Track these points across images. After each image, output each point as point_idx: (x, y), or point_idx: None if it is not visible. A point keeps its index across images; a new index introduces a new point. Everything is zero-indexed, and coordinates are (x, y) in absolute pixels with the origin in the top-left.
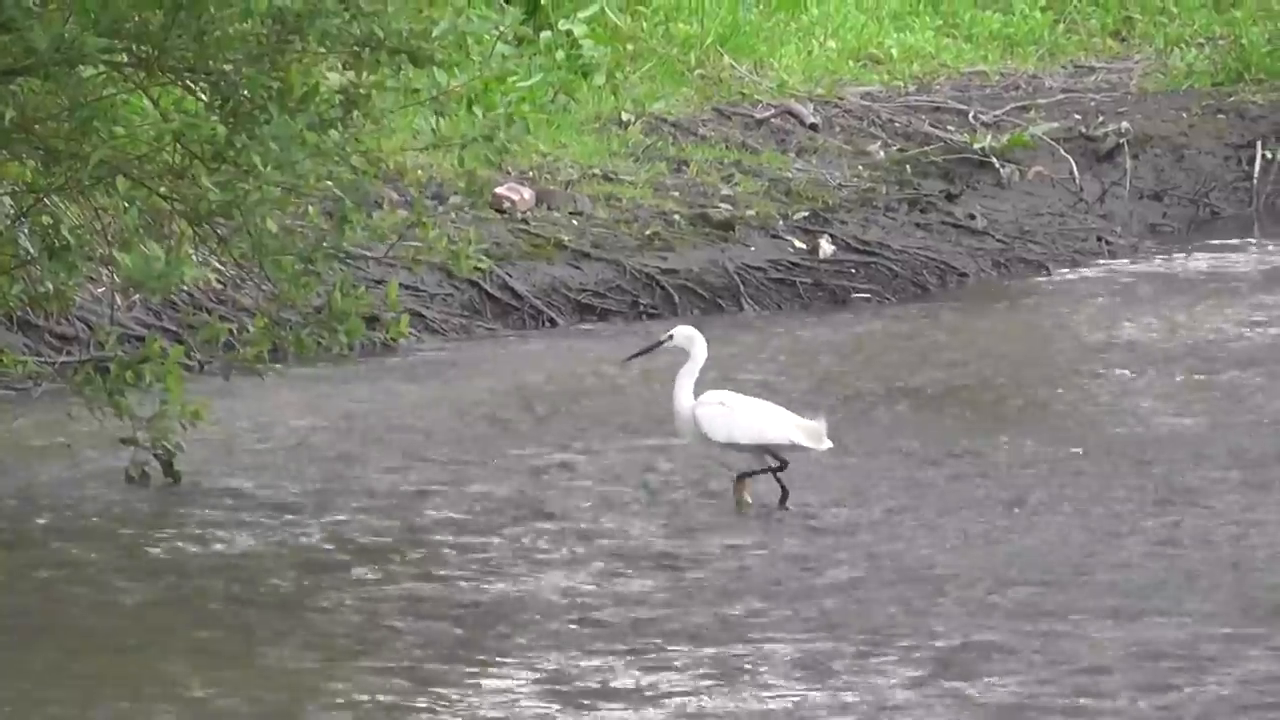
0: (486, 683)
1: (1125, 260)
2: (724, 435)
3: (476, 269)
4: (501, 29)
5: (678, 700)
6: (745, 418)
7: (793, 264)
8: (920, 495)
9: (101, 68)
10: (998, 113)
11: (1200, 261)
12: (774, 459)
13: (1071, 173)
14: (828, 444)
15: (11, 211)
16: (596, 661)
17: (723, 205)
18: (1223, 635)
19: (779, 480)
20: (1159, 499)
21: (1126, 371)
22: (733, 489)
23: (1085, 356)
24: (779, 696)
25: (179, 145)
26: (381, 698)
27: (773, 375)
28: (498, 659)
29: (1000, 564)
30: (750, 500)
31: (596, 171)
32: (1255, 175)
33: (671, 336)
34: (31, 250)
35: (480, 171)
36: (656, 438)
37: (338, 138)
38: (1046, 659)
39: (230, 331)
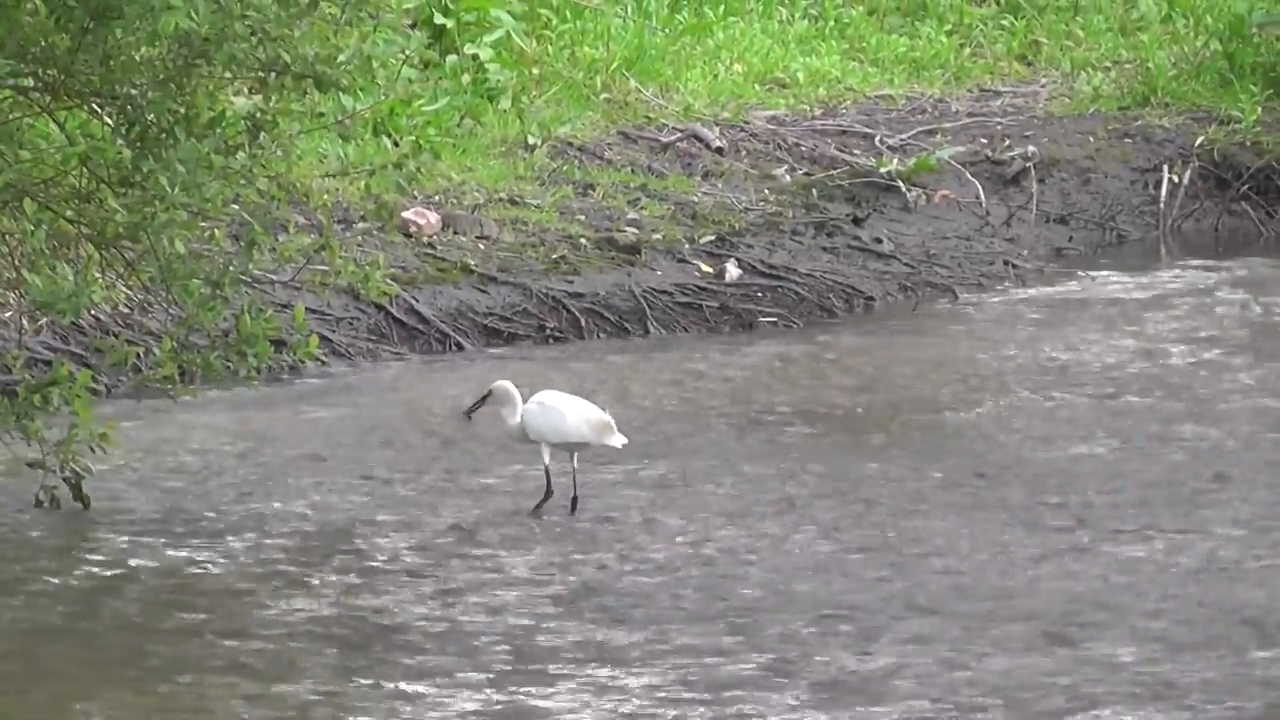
0: (400, 707)
1: (1031, 284)
2: (535, 434)
3: (384, 293)
4: (407, 53)
5: None
6: (550, 416)
7: (699, 288)
8: (821, 521)
9: (7, 91)
10: (904, 136)
11: (1107, 285)
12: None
13: (978, 196)
14: (620, 440)
15: None
16: (515, 688)
17: (629, 229)
18: (1123, 661)
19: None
20: (1063, 524)
21: (1033, 395)
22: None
23: (992, 380)
24: None
25: (86, 169)
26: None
27: (677, 399)
28: (408, 683)
29: (896, 591)
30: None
31: (503, 195)
32: (1161, 199)
33: (492, 391)
34: None
35: (387, 196)
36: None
37: (244, 160)
38: (934, 688)
39: (138, 355)
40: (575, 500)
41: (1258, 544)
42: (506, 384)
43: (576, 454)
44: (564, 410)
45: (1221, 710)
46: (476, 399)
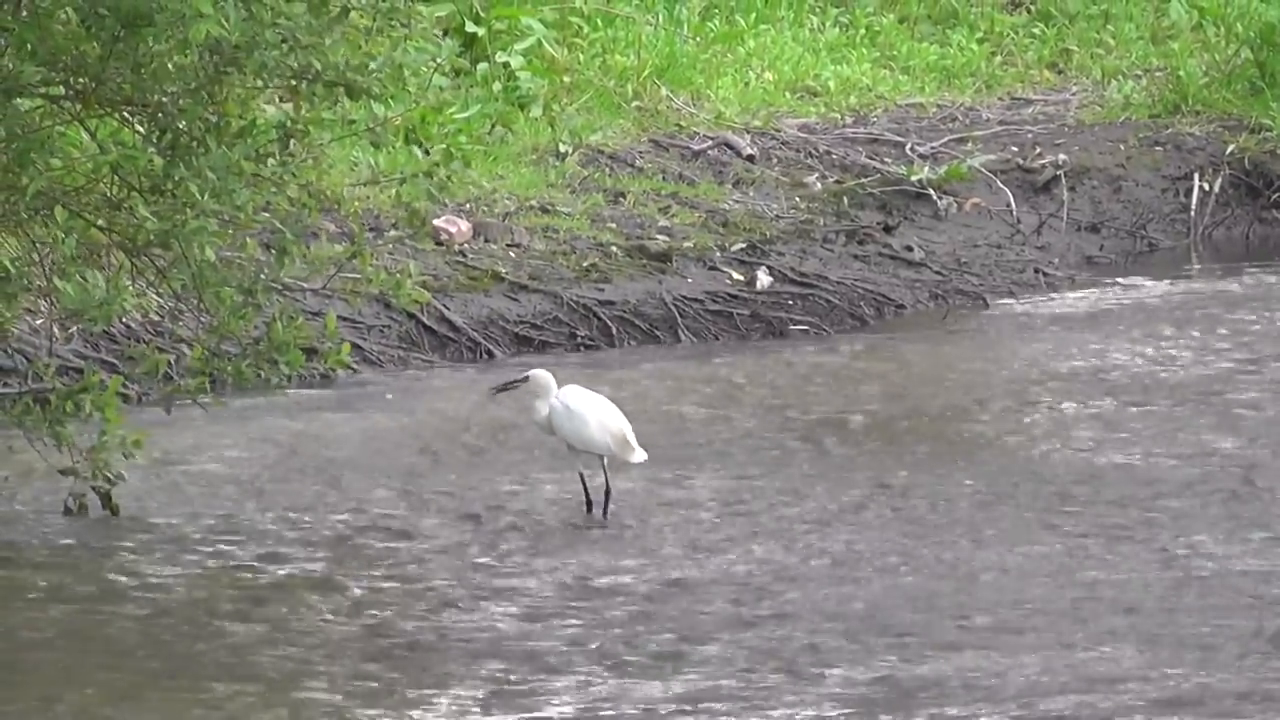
0: (422, 716)
1: (1062, 292)
2: (558, 434)
3: (415, 301)
4: (438, 61)
5: None
6: (573, 422)
7: (730, 295)
8: (854, 529)
9: (39, 99)
10: (935, 144)
11: (1138, 293)
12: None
13: (1009, 204)
14: (639, 455)
15: None
16: (533, 697)
17: (660, 237)
18: (1154, 668)
19: (595, 487)
20: (1096, 532)
21: (1064, 403)
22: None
23: (1022, 388)
24: None
25: (116, 177)
26: None
27: (708, 408)
28: (434, 695)
29: (930, 601)
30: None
31: (534, 203)
32: (1192, 207)
33: (528, 378)
34: None
35: (418, 204)
36: (593, 465)
37: (275, 168)
38: (974, 695)
39: (169, 363)
40: (606, 505)
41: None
42: (546, 375)
43: (607, 459)
44: (587, 418)
45: None
46: (512, 381)
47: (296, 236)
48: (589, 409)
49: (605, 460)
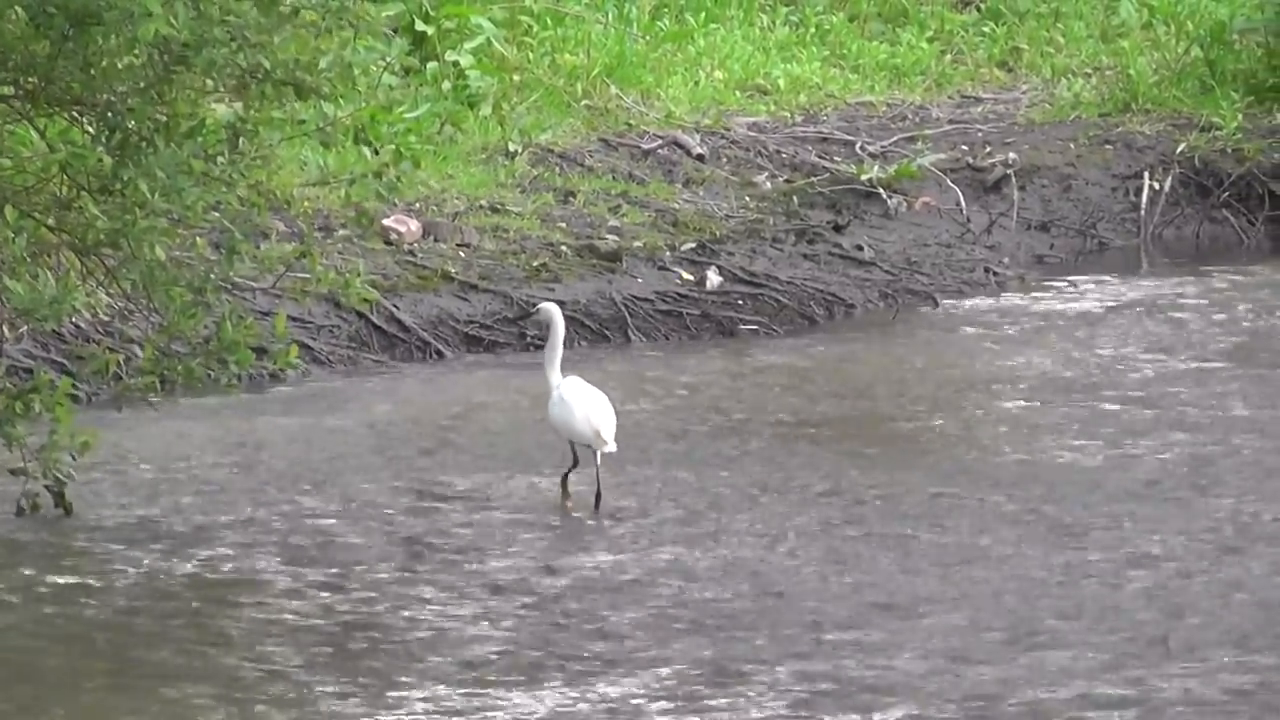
0: (377, 717)
1: (1012, 291)
2: (553, 425)
3: (364, 300)
4: (388, 60)
5: None
6: (561, 410)
7: (680, 295)
8: (805, 532)
9: None
10: (885, 143)
11: (1087, 293)
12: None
13: (959, 203)
14: (609, 446)
15: None
16: (485, 695)
17: (609, 236)
18: (1107, 671)
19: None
20: (1048, 534)
21: (1015, 404)
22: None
23: (973, 389)
24: None
25: (66, 176)
26: None
27: (658, 409)
28: (387, 693)
29: (882, 602)
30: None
31: (483, 203)
32: (1143, 206)
33: (539, 309)
34: None
35: (367, 204)
36: (546, 470)
37: (225, 167)
38: (919, 697)
39: (118, 363)
40: (597, 500)
41: (1241, 551)
42: (554, 312)
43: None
44: (574, 408)
45: None
46: (523, 311)
47: (246, 236)
48: (578, 401)
49: (596, 454)
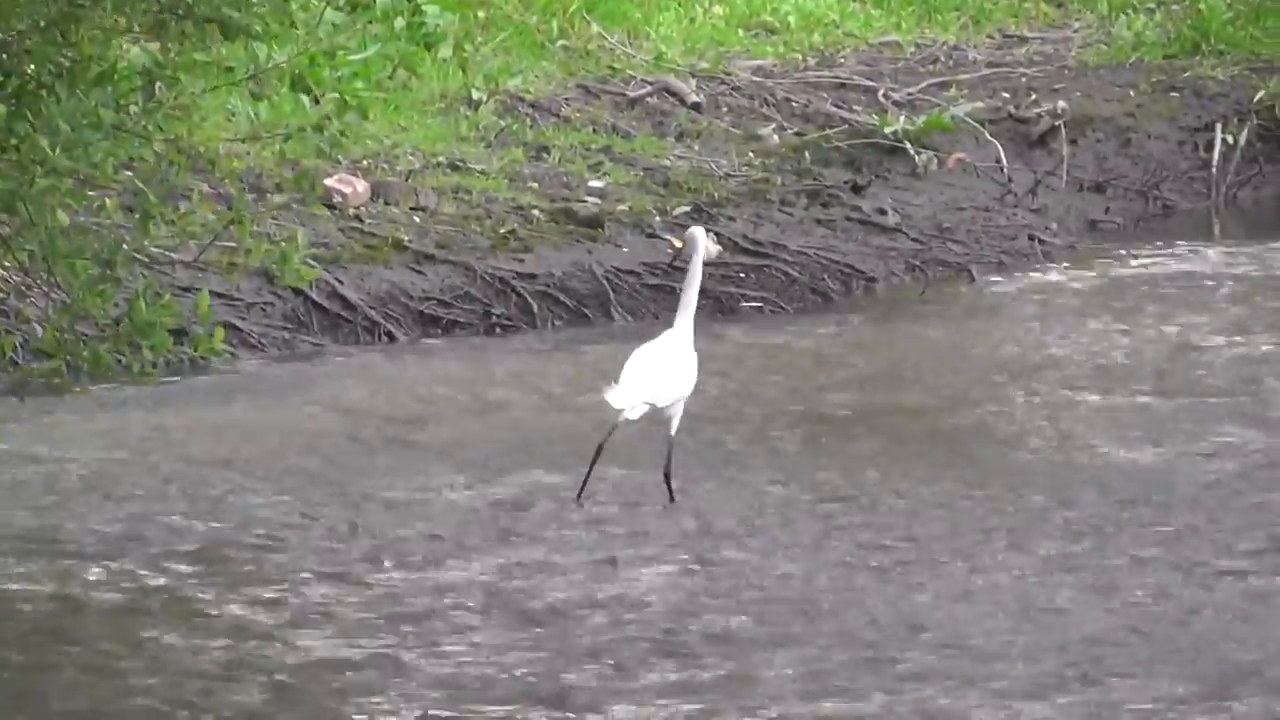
0: None
1: (1061, 263)
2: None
3: (303, 278)
4: None
5: None
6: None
7: (671, 267)
8: (818, 534)
9: None
10: (912, 90)
11: (1149, 265)
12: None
13: (999, 160)
14: (619, 405)
15: None
16: None
17: (590, 199)
18: (1150, 707)
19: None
20: (1093, 543)
21: (1061, 394)
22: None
23: (1012, 376)
24: None
25: None
26: None
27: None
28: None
29: (901, 619)
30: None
31: (442, 159)
32: (1214, 164)
33: (685, 241)
34: None
35: (307, 162)
36: (510, 474)
37: (138, 116)
38: None
39: (15, 346)
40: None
41: None
42: (702, 234)
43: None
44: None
45: None
46: (675, 251)
47: (163, 199)
48: (641, 352)
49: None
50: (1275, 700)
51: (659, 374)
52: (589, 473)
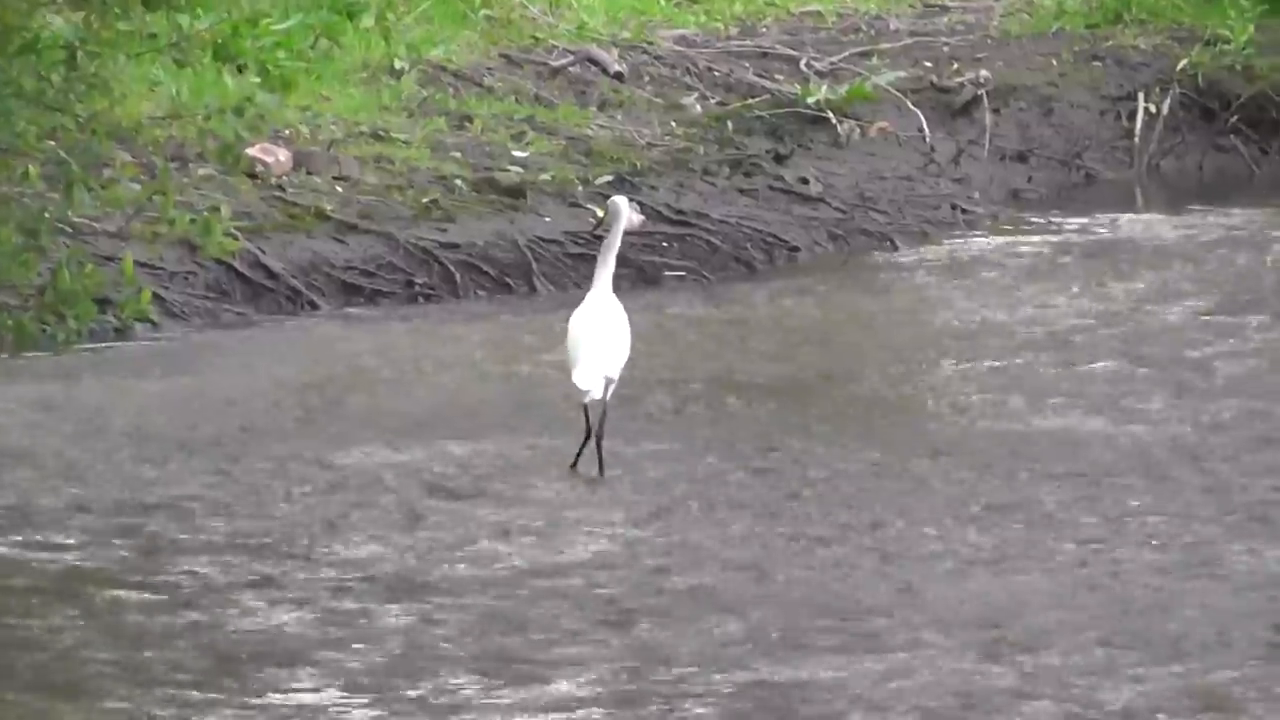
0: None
1: (983, 232)
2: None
3: (225, 251)
4: None
5: None
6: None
7: (595, 237)
8: (742, 510)
9: None
10: (835, 60)
11: (1072, 234)
12: None
13: (921, 130)
14: (584, 387)
15: None
16: (353, 703)
17: (512, 168)
18: (1073, 674)
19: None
20: (1020, 513)
21: (985, 363)
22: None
23: (936, 345)
24: None
25: None
26: None
27: (567, 369)
28: (243, 699)
29: (828, 593)
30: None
31: (364, 129)
32: (1136, 133)
33: (609, 205)
34: None
35: (229, 135)
36: (436, 439)
37: (60, 84)
38: (866, 705)
39: None
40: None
41: (1235, 537)
42: (622, 200)
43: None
44: (573, 327)
45: None
46: (598, 218)
47: (85, 169)
48: (584, 320)
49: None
50: (1203, 664)
51: (613, 348)
52: (596, 450)
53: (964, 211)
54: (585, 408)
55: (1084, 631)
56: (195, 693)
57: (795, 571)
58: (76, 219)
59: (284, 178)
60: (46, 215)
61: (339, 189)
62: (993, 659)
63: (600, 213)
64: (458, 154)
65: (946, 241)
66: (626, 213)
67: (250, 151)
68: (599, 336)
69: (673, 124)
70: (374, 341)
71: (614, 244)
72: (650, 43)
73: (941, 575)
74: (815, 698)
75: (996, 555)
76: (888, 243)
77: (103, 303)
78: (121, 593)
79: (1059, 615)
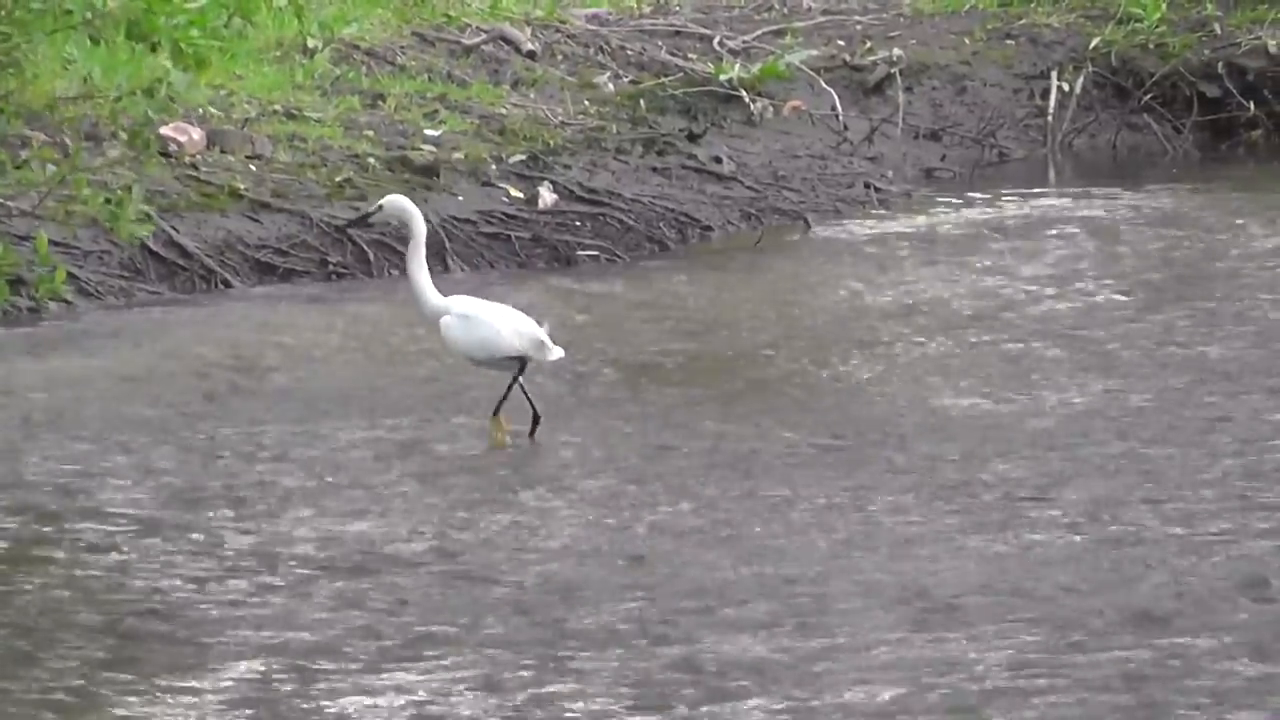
0: (161, 703)
1: (897, 210)
2: (463, 350)
3: (135, 237)
4: None
5: None
6: (479, 330)
7: (507, 216)
8: (657, 493)
9: None
10: (747, 38)
11: (985, 212)
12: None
13: (834, 108)
14: (558, 350)
15: None
16: (284, 678)
17: (425, 147)
18: (999, 654)
19: (526, 398)
20: (940, 494)
21: (899, 341)
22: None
23: (851, 324)
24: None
25: None
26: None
27: None
28: (168, 677)
29: (745, 576)
30: (508, 439)
31: (278, 108)
32: (1049, 111)
33: (381, 207)
34: None
35: (140, 117)
36: (351, 418)
37: None
38: (793, 685)
39: None
40: (537, 419)
41: (1163, 514)
42: (402, 200)
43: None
44: (493, 322)
45: (1108, 703)
46: (364, 212)
47: None
48: (492, 314)
49: (520, 371)
50: (1116, 647)
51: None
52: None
53: (877, 190)
54: (519, 383)
55: (1007, 608)
56: (102, 675)
57: (697, 549)
58: None
59: (197, 156)
60: None
61: (253, 168)
62: (921, 629)
63: (516, 191)
64: (371, 132)
65: (860, 220)
66: (417, 211)
67: (164, 130)
68: (509, 311)
69: (586, 103)
70: (287, 320)
71: (420, 251)
72: (563, 21)
73: (860, 551)
74: (739, 675)
75: (917, 532)
76: (801, 221)
77: (16, 282)
78: (31, 569)
79: (978, 594)
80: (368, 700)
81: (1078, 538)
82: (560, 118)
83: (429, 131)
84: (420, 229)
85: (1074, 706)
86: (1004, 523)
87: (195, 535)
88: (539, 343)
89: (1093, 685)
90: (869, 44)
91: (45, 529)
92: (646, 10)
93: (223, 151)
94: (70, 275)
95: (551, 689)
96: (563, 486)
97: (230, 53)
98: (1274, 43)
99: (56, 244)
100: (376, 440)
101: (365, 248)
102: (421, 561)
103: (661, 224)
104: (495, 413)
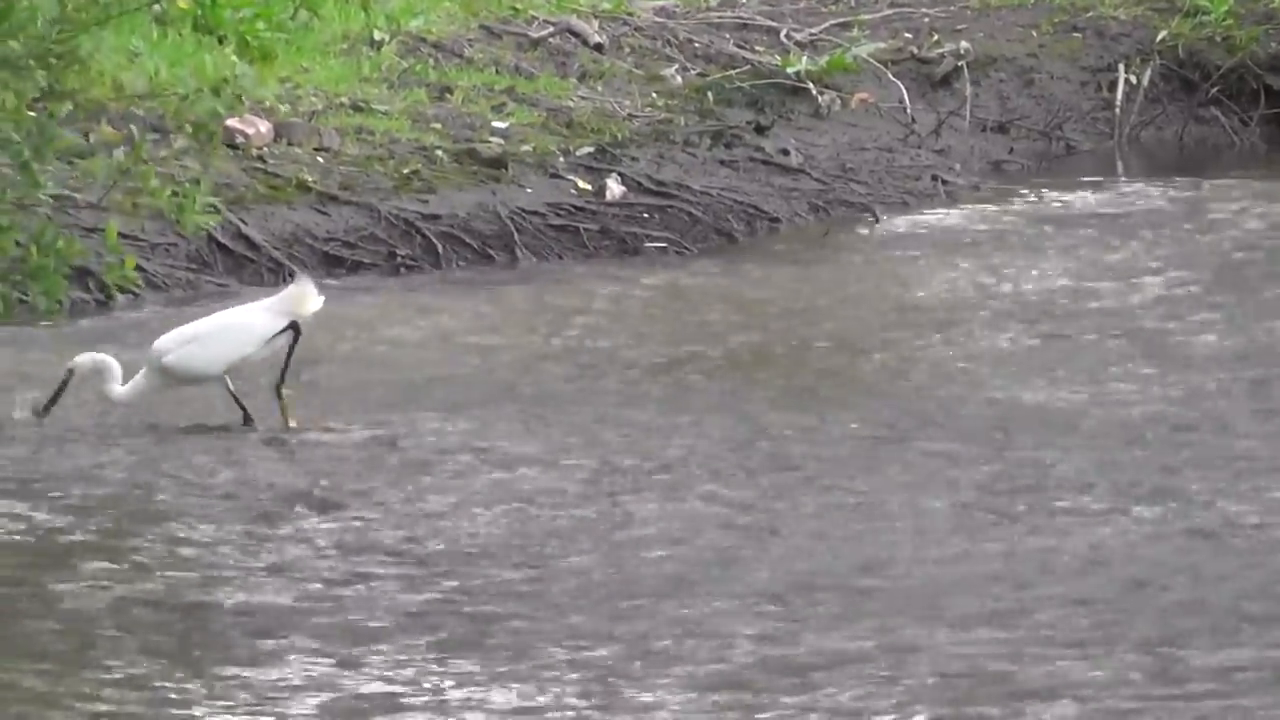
0: (220, 688)
1: (964, 203)
2: (222, 366)
3: (201, 228)
4: None
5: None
6: (211, 348)
7: (575, 208)
8: (723, 484)
9: None
10: (814, 30)
11: (1052, 205)
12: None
13: (902, 101)
14: (316, 302)
15: None
16: (329, 669)
17: (493, 140)
18: (1059, 649)
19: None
20: (1002, 486)
21: (967, 335)
22: (279, 410)
23: (918, 317)
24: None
25: None
26: (103, 707)
27: (547, 340)
28: (225, 668)
29: (808, 568)
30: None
31: (344, 100)
32: (1117, 104)
33: (72, 371)
34: None
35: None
36: (425, 409)
37: (20, 50)
38: (850, 679)
39: None
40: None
41: (1228, 512)
42: (88, 356)
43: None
44: (204, 340)
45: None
46: (52, 392)
47: (37, 150)
48: (205, 323)
49: (296, 338)
50: (1216, 646)
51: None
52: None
53: (944, 183)
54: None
55: (1079, 599)
56: (166, 659)
57: (780, 543)
58: (58, 191)
59: (264, 149)
60: (7, 193)
61: (320, 160)
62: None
63: (583, 184)
64: (438, 125)
65: (927, 213)
66: (107, 358)
67: (230, 123)
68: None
69: (653, 95)
70: (354, 313)
71: (118, 388)
72: (630, 14)
73: (919, 546)
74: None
75: (985, 524)
76: (868, 214)
77: (84, 273)
78: (95, 564)
79: (1055, 585)
80: (440, 695)
81: (1158, 531)
82: (628, 110)
83: (496, 124)
84: (116, 373)
85: (1171, 703)
86: (1053, 515)
87: (274, 530)
88: (274, 314)
89: (1191, 687)
90: (936, 36)
91: (106, 527)
92: (714, 3)
93: (290, 144)
94: (137, 267)
95: (635, 682)
96: (628, 477)
97: (296, 46)
98: None
99: (124, 236)
100: (449, 433)
101: (434, 240)
102: (502, 553)
103: (729, 216)
104: (279, 385)
